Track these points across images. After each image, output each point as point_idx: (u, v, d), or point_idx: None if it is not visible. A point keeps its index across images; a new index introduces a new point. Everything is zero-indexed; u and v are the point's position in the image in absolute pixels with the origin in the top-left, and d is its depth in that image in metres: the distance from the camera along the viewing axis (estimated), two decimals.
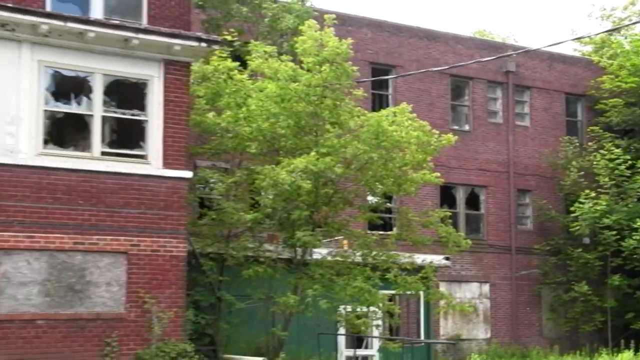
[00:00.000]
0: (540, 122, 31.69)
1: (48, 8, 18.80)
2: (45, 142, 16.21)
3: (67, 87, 17.02)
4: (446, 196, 28.75)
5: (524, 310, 29.98)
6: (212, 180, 20.43)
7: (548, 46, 32.14)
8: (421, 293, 21.03)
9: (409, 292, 20.18)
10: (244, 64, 20.10)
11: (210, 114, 19.60)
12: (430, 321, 23.83)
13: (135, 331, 16.30)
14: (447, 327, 27.59)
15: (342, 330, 20.60)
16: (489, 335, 28.76)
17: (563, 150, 30.79)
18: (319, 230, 19.06)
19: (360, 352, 21.50)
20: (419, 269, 19.89)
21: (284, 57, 19.63)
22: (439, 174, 20.02)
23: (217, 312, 19.23)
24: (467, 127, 30.17)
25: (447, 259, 22.77)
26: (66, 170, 16.06)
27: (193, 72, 18.58)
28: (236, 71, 19.84)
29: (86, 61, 16.67)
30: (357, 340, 21.40)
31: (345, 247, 20.15)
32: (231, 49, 20.37)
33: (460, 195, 29.63)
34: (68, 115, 17.24)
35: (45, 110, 16.31)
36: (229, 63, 19.81)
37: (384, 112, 19.62)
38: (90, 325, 16.01)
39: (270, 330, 18.91)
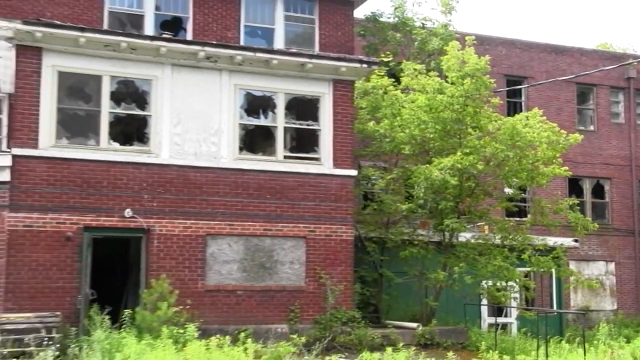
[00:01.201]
0: None
1: (241, 42, 19.42)
2: (240, 149, 16.72)
3: (256, 104, 17.44)
4: (574, 187, 27.54)
5: None
6: (373, 177, 20.42)
7: None
8: (553, 270, 20.31)
9: (542, 270, 19.57)
10: (398, 81, 19.99)
11: (371, 123, 19.66)
12: (561, 294, 23.04)
13: (314, 300, 16.58)
14: (576, 299, 26.52)
15: (484, 301, 20.25)
16: (615, 307, 27.40)
17: None
18: (464, 217, 18.80)
19: (501, 319, 20.88)
20: (550, 249, 19.41)
21: (431, 73, 19.42)
22: (567, 168, 19.40)
23: (379, 286, 19.28)
24: (592, 128, 28.73)
25: (575, 241, 21.90)
26: (256, 171, 16.56)
27: (356, 88, 18.69)
28: (391, 87, 19.77)
29: (271, 83, 17.03)
30: (498, 309, 20.90)
31: (486, 232, 19.84)
32: (387, 68, 20.24)
33: (587, 186, 28.34)
34: (257, 127, 17.67)
35: (240, 124, 16.80)
36: (386, 80, 19.78)
37: (517, 116, 19.23)
38: (278, 295, 16.43)
39: (424, 301, 18.76)
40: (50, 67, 15.33)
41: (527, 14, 75.84)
